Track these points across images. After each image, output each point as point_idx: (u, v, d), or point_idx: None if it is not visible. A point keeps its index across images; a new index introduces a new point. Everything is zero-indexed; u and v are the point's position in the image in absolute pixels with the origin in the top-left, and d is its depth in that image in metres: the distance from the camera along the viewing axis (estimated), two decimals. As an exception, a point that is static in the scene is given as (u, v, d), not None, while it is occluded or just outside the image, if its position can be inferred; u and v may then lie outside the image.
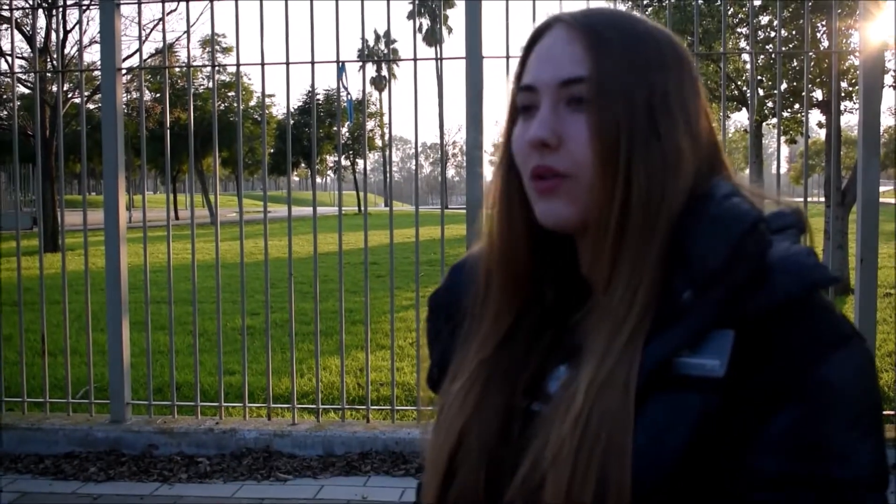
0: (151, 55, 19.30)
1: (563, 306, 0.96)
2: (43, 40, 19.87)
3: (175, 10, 13.72)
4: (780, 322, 0.81)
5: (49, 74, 15.76)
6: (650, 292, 0.84)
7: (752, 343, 0.80)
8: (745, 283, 0.80)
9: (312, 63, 5.17)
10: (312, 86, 5.36)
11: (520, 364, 0.94)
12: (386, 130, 43.95)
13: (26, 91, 20.24)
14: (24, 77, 17.55)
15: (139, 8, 5.55)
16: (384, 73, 68.52)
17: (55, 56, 20.78)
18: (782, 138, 14.19)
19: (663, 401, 0.80)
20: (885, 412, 5.07)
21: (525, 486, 0.84)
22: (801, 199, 5.01)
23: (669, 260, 0.85)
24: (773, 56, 11.20)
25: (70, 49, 21.95)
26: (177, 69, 20.00)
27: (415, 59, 5.12)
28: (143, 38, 6.12)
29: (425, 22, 74.98)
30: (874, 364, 0.83)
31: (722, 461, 0.79)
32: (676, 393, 0.80)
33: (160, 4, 5.54)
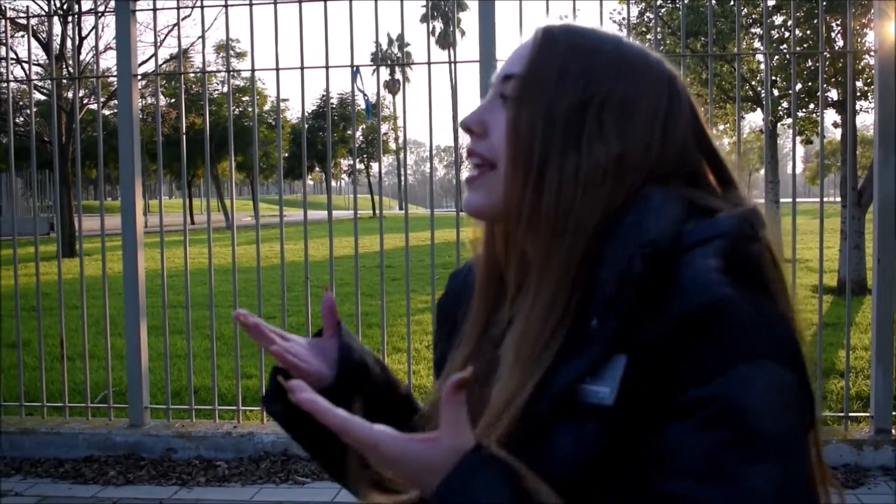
0: (166, 61, 19.41)
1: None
2: (59, 47, 19.99)
3: (189, 15, 13.73)
4: (682, 340, 0.78)
5: (65, 81, 15.86)
6: (564, 309, 0.84)
7: (653, 365, 0.78)
8: (636, 308, 0.79)
9: (327, 67, 5.18)
10: (327, 90, 5.38)
11: (491, 367, 0.94)
12: (400, 133, 43.97)
13: (42, 97, 20.40)
14: (40, 84, 17.71)
15: (154, 14, 5.61)
16: (398, 76, 68.68)
17: (71, 62, 20.91)
18: (798, 139, 14.13)
19: (568, 427, 0.81)
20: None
21: None
22: (818, 200, 5.00)
23: (588, 281, 0.84)
24: (787, 56, 11.17)
25: (86, 55, 22.06)
26: (192, 74, 20.03)
27: (429, 63, 5.13)
28: (158, 44, 6.16)
29: (438, 25, 75.12)
30: (789, 385, 0.78)
31: (625, 479, 0.79)
32: (578, 420, 0.80)
33: (175, 10, 5.58)
